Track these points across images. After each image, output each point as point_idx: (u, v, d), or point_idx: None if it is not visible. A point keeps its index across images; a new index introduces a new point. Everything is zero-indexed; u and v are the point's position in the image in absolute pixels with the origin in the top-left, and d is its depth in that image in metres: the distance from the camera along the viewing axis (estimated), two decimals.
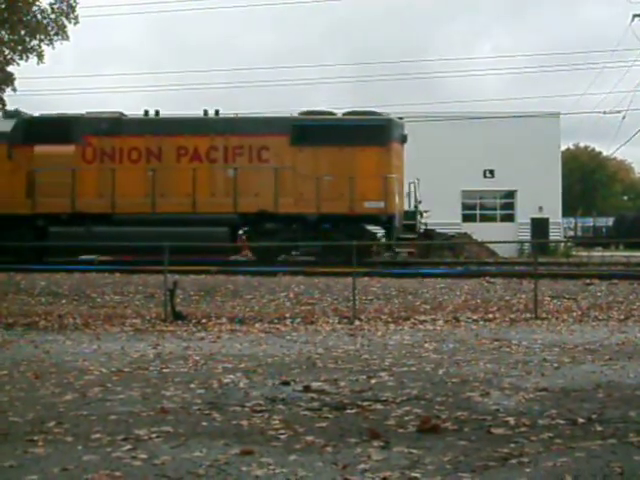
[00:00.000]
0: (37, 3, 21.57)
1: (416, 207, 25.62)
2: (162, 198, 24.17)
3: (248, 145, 24.51)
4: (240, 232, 25.53)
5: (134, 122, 25.17)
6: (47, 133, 24.42)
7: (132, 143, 24.64)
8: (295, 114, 26.10)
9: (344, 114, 25.61)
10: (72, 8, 21.74)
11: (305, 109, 26.05)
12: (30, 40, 21.62)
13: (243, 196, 24.14)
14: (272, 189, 24.12)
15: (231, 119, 25.75)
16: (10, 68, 22.04)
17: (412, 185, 25.80)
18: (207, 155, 24.65)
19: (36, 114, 25.58)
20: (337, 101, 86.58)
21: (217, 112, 25.21)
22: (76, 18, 21.92)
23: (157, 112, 25.23)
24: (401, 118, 26.00)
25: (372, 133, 24.48)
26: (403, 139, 25.27)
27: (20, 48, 21.58)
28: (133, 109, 26.61)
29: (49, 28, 21.69)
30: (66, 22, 21.84)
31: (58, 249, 23.96)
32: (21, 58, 21.81)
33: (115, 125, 24.75)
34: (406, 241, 24.88)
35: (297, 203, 24.14)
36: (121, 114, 25.30)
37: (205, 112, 25.28)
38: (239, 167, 24.28)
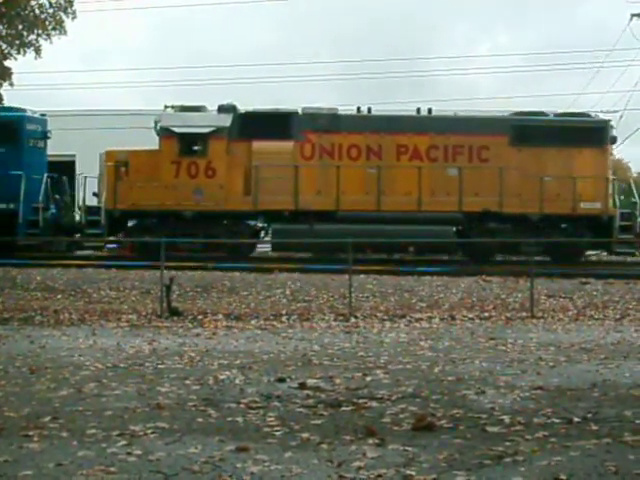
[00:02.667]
0: None
1: (633, 207, 25.57)
2: (384, 196, 24.05)
3: (468, 144, 24.50)
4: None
5: (353, 119, 24.88)
6: (265, 128, 23.93)
7: (351, 140, 24.41)
8: (508, 114, 26.16)
9: (556, 115, 25.78)
10: (70, 3, 21.72)
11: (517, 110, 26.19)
12: (28, 35, 21.59)
13: (467, 195, 24.10)
14: (496, 189, 24.06)
15: (450, 118, 25.62)
16: (7, 63, 22.01)
17: (621, 184, 25.87)
18: (427, 154, 24.54)
19: (250, 109, 25.02)
20: (337, 99, 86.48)
21: (430, 110, 25.18)
22: (74, 13, 21.92)
23: (369, 109, 25.15)
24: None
25: (590, 134, 24.61)
26: (613, 140, 25.46)
27: (18, 42, 21.54)
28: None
29: (47, 23, 21.65)
30: (64, 17, 21.82)
31: (278, 245, 23.97)
32: (19, 52, 21.78)
33: (334, 121, 24.41)
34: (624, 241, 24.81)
35: (520, 203, 24.13)
36: (337, 110, 25.04)
37: (418, 110, 25.21)
38: (462, 166, 24.29)
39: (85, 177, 24.42)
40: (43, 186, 24.05)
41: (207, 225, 23.76)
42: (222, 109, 24.28)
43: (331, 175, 23.94)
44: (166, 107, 24.56)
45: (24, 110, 24.32)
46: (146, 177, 23.68)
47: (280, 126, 24.07)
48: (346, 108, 25.66)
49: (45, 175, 24.39)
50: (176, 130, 23.74)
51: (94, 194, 24.59)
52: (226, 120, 23.98)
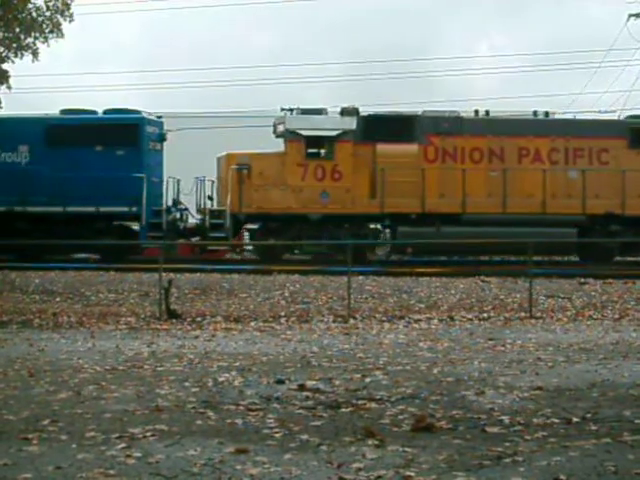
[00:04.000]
0: (32, 0, 21.55)
1: None
2: (508, 198, 24.21)
3: (588, 147, 24.72)
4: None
5: (475, 122, 24.96)
6: (388, 131, 24.00)
7: (474, 143, 24.56)
8: (624, 117, 26.40)
9: None
10: (67, 6, 21.70)
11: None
12: (25, 38, 21.55)
13: (589, 197, 24.30)
14: (618, 191, 24.29)
15: (570, 121, 25.76)
16: (5, 66, 21.96)
17: None
18: (548, 156, 24.74)
19: (372, 112, 25.16)
20: (334, 99, 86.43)
21: (547, 113, 25.24)
22: (71, 16, 21.88)
23: (487, 112, 25.16)
24: None
25: None
26: None
27: (15, 46, 21.51)
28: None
29: (44, 26, 21.63)
30: (61, 20, 21.80)
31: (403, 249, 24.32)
32: (16, 55, 21.73)
33: (456, 124, 24.56)
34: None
35: None
36: (459, 113, 25.13)
37: (535, 112, 25.26)
38: (583, 169, 24.47)
39: (203, 180, 24.42)
40: (164, 188, 24.03)
41: (331, 228, 23.89)
42: (345, 112, 24.36)
43: (456, 178, 24.08)
44: (283, 109, 24.42)
45: (141, 112, 24.33)
46: (270, 180, 23.76)
47: (403, 129, 24.22)
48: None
49: (166, 177, 24.33)
50: (303, 133, 23.76)
51: (209, 197, 24.62)
52: (351, 123, 24.05)
